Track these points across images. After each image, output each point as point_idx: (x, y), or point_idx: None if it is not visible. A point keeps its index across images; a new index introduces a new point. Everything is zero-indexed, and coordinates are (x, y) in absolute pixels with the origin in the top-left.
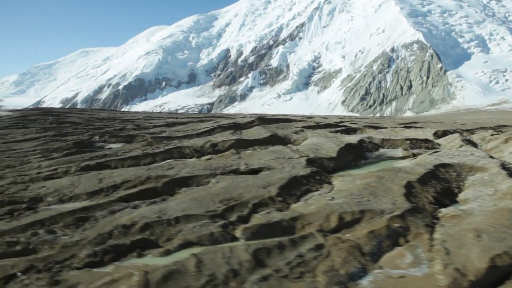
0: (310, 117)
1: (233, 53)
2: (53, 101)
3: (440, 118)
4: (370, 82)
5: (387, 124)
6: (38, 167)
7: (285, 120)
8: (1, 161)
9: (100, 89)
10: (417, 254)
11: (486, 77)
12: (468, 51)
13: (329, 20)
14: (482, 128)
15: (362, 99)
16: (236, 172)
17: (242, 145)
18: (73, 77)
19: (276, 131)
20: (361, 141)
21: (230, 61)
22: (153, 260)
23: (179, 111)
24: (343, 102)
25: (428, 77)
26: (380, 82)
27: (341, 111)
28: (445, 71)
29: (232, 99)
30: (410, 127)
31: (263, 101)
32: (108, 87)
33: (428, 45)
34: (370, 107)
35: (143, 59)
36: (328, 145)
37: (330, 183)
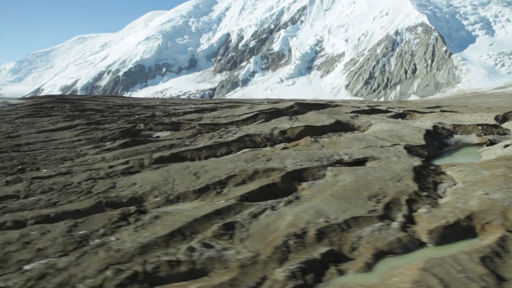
0: (344, 101)
1: (233, 38)
2: (52, 88)
3: (451, 102)
4: (374, 66)
5: (417, 108)
6: (103, 160)
7: (323, 105)
8: (53, 153)
9: (99, 76)
10: None
11: (491, 60)
12: (473, 33)
13: (331, 3)
14: None
15: (366, 83)
16: (342, 162)
17: (311, 132)
18: (71, 64)
19: (335, 117)
20: (435, 127)
21: (231, 46)
22: (361, 278)
23: (180, 97)
24: (347, 86)
25: (432, 61)
26: (384, 65)
27: (344, 96)
28: (450, 54)
29: (234, 84)
30: (449, 112)
31: (266, 86)
32: (108, 73)
33: (433, 27)
34: (374, 91)
35: (143, 45)
36: (407, 131)
37: (445, 173)
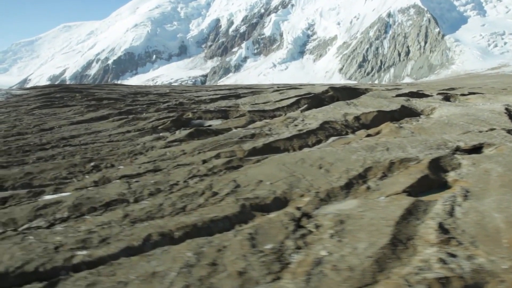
0: (372, 85)
1: (223, 23)
2: (40, 78)
3: (452, 83)
4: (367, 49)
5: (433, 90)
6: (185, 153)
7: (353, 89)
8: (113, 146)
9: (88, 65)
10: None
11: (484, 41)
12: (465, 14)
13: None
14: None
15: (360, 66)
16: (460, 150)
17: (382, 117)
18: (58, 53)
19: (394, 101)
20: (508, 109)
21: (221, 32)
22: None
23: (172, 84)
24: (340, 70)
25: (425, 42)
26: (377, 48)
27: (338, 79)
28: (443, 36)
29: (227, 70)
30: (480, 93)
31: (259, 71)
32: (97, 62)
33: (425, 9)
34: (368, 74)
35: (131, 32)
36: (486, 115)
37: None
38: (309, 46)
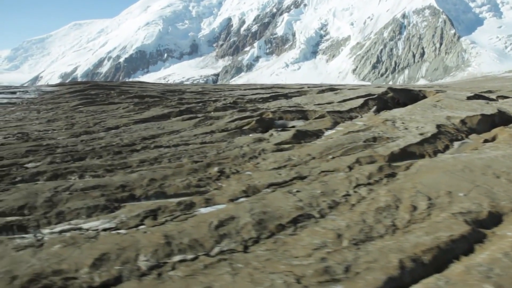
0: (430, 86)
1: (235, 22)
2: (51, 76)
3: (476, 85)
4: (381, 50)
5: (465, 92)
6: (315, 158)
7: (409, 90)
8: (218, 148)
9: (100, 63)
10: None
11: (501, 43)
12: (480, 16)
13: None
14: None
15: (374, 67)
16: None
17: (485, 121)
18: (68, 50)
19: (482, 103)
20: None
21: (233, 31)
22: None
23: (184, 83)
24: (354, 70)
25: (441, 44)
26: (391, 49)
27: (352, 80)
28: (459, 37)
29: (239, 70)
30: None
31: (271, 71)
32: (108, 60)
33: (441, 10)
34: (382, 75)
35: (143, 30)
36: None
37: None
38: (322, 46)
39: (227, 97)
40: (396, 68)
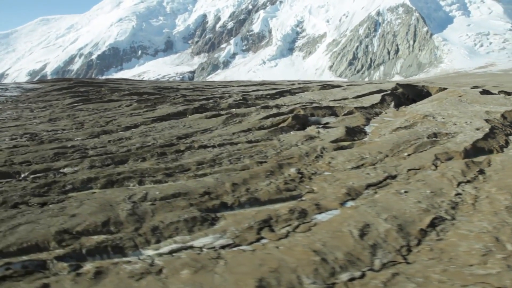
0: (432, 82)
1: (210, 19)
2: (18, 73)
3: (451, 81)
4: (357, 47)
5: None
6: (388, 156)
7: (413, 86)
8: (274, 147)
9: (71, 60)
10: None
11: (470, 40)
12: (450, 14)
13: None
14: None
15: (350, 64)
16: None
17: None
18: (36, 47)
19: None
20: None
21: (208, 27)
22: None
23: (160, 80)
24: (331, 67)
25: (414, 41)
26: (367, 46)
27: (329, 77)
28: (431, 35)
29: (215, 67)
30: None
31: (248, 68)
32: (79, 57)
33: (414, 8)
34: (358, 72)
35: (116, 27)
36: None
37: None
38: (298, 43)
39: (230, 94)
40: (372, 64)
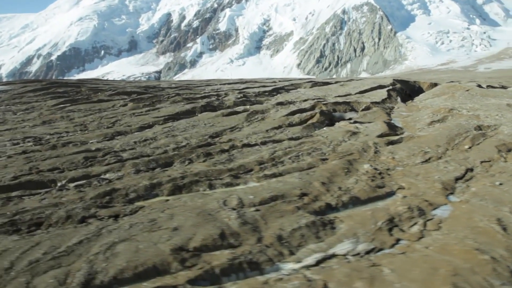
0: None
1: (175, 18)
2: None
3: (416, 77)
4: (324, 45)
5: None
6: (447, 151)
7: (406, 81)
8: (313, 145)
9: (28, 61)
10: None
11: (432, 38)
12: (412, 13)
13: None
14: None
15: (318, 61)
16: None
17: None
18: None
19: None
20: None
21: (173, 26)
22: None
23: (125, 80)
24: (298, 65)
25: (379, 39)
26: (333, 44)
27: (297, 75)
28: (395, 33)
29: (182, 66)
30: None
31: (216, 67)
32: (38, 58)
33: (378, 7)
34: (326, 69)
35: (76, 26)
36: None
37: None
38: (266, 41)
39: (223, 91)
40: (339, 62)
